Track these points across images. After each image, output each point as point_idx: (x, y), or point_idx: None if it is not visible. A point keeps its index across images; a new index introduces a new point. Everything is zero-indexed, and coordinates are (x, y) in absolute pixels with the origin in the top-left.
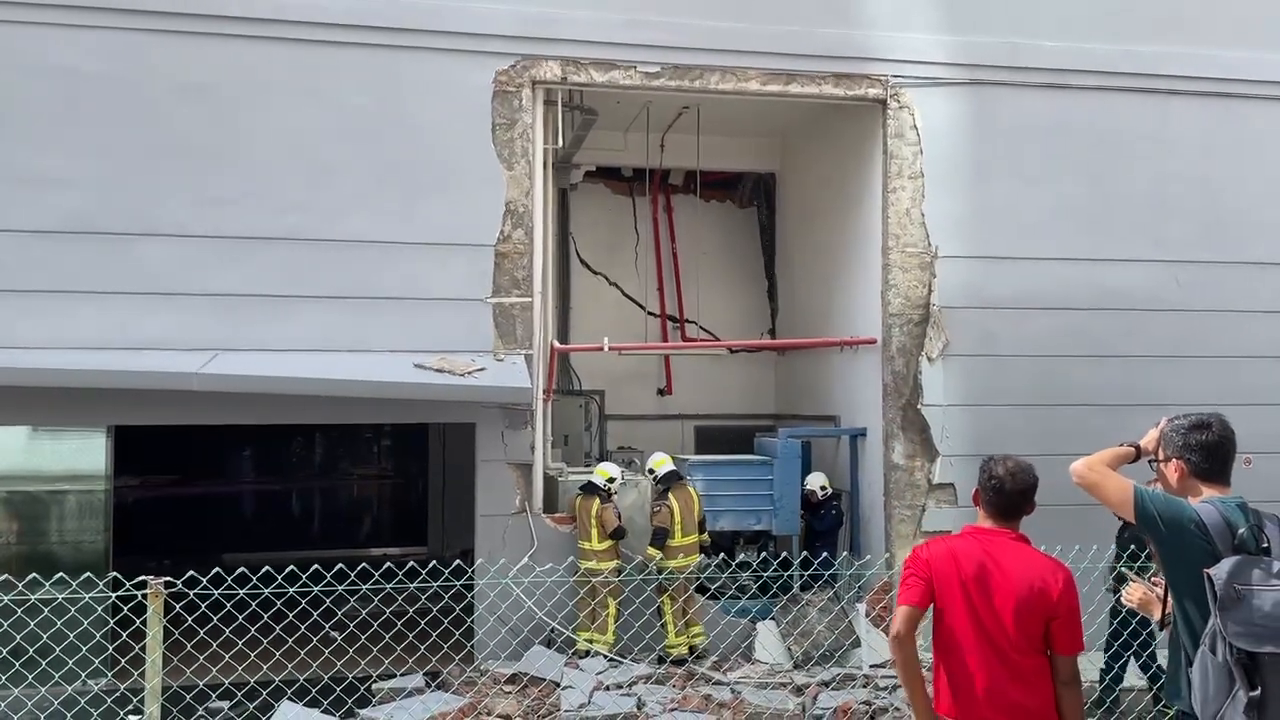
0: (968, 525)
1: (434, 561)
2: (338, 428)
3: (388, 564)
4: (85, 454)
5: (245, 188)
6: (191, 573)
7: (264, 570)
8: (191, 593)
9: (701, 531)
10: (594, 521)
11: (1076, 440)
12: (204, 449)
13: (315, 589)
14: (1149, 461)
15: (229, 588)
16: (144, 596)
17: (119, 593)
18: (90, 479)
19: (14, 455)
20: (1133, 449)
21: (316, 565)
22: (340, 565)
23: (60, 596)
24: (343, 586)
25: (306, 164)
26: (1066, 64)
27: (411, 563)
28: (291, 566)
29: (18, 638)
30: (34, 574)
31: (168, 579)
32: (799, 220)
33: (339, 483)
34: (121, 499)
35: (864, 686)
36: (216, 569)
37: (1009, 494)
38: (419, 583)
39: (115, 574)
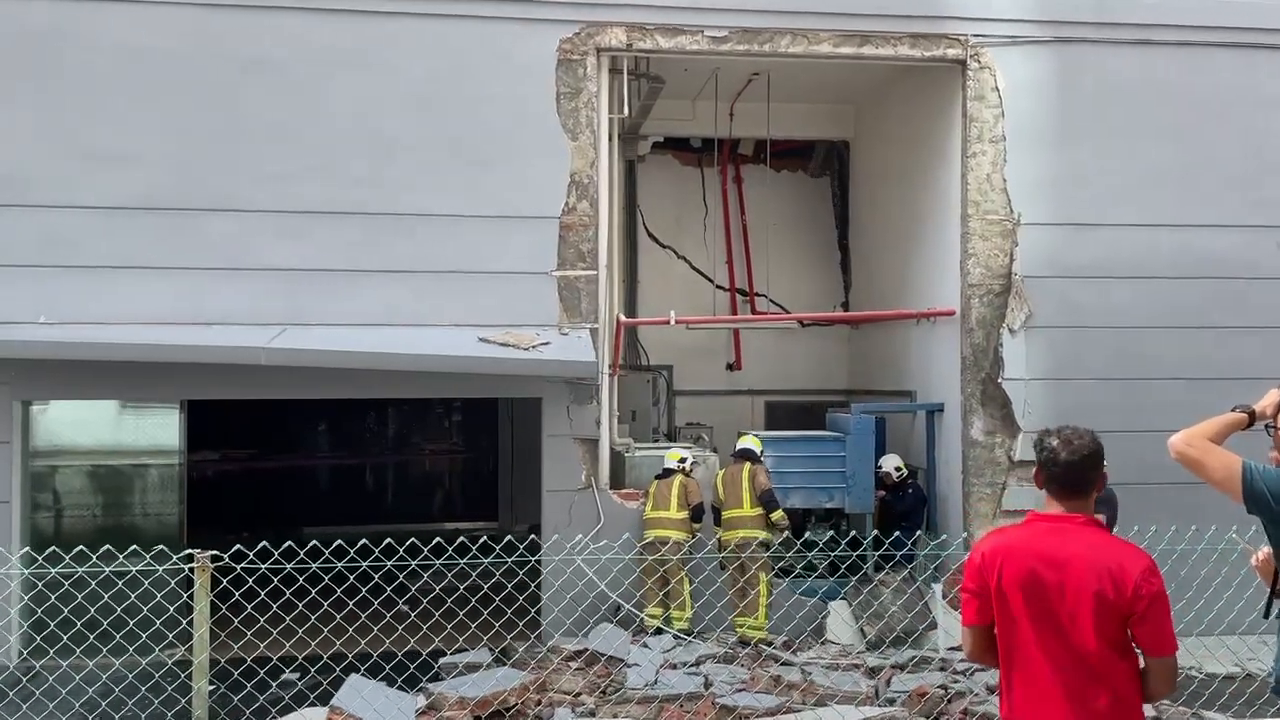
0: (1032, 512)
1: (509, 538)
2: (409, 402)
3: (461, 539)
4: (159, 429)
5: (310, 163)
6: (264, 543)
7: (335, 545)
8: (264, 566)
9: (767, 508)
10: (676, 491)
11: (1165, 415)
12: (280, 424)
13: (388, 564)
14: (1266, 427)
15: (300, 562)
16: (191, 571)
17: (165, 566)
18: (164, 453)
19: (91, 430)
20: (1245, 415)
21: (389, 540)
22: (413, 541)
23: (107, 570)
24: (415, 562)
25: (370, 138)
26: (1155, 19)
27: (484, 538)
28: (364, 541)
29: (92, 610)
30: (108, 546)
31: (214, 552)
32: (873, 189)
33: (410, 458)
34: (201, 473)
35: (940, 670)
36: (289, 543)
37: (1066, 465)
38: (491, 559)
39: (163, 548)
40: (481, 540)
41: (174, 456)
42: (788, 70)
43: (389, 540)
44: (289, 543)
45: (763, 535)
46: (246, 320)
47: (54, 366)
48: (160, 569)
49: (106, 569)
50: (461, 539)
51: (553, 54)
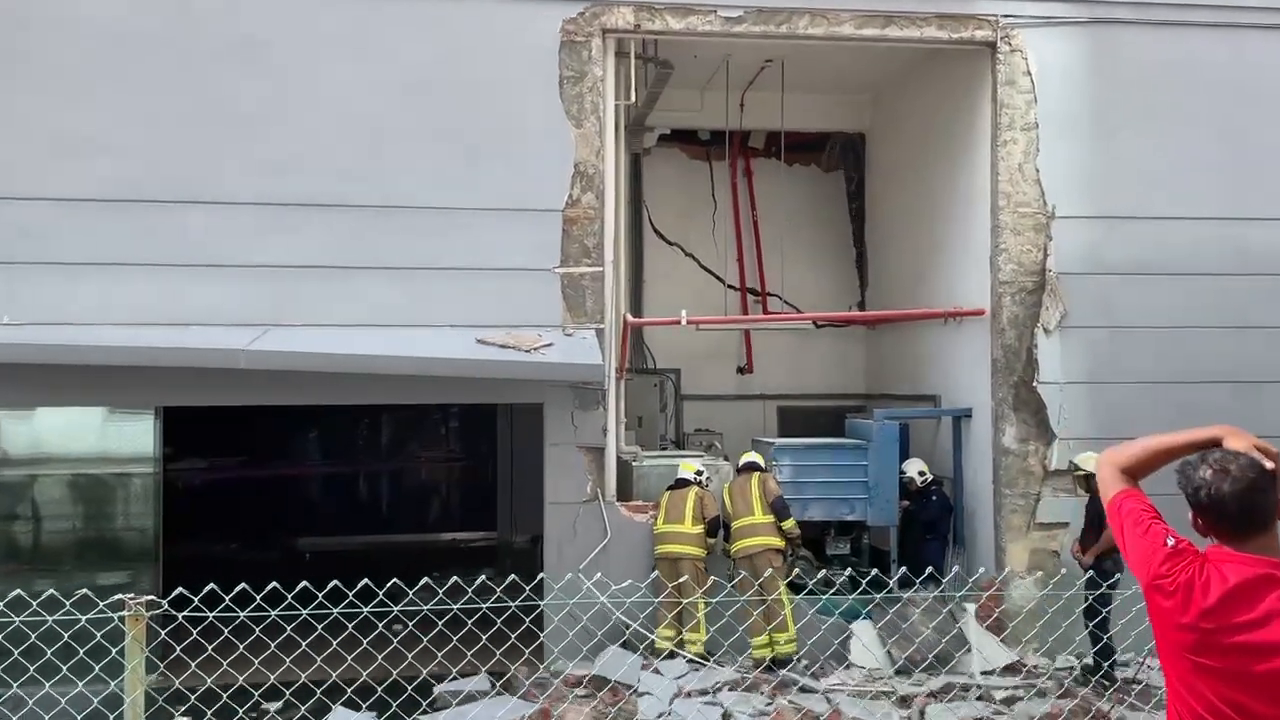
0: (1213, 547)
1: (513, 576)
2: (405, 408)
3: (472, 583)
4: (135, 436)
5: (296, 152)
6: (212, 585)
7: (300, 587)
8: (211, 614)
9: (779, 516)
10: (691, 504)
11: (1212, 421)
12: (271, 431)
13: (364, 610)
14: None
15: (257, 608)
16: (121, 620)
17: (89, 615)
18: (140, 461)
19: (61, 437)
20: None
21: (373, 586)
22: (409, 588)
23: (17, 620)
24: (397, 609)
25: (361, 125)
26: None
27: (485, 578)
28: (333, 583)
29: (65, 632)
30: (40, 595)
31: (152, 598)
32: (892, 183)
33: (406, 465)
34: (188, 481)
35: (979, 699)
36: (273, 587)
37: (1237, 497)
38: (491, 602)
39: (99, 589)
40: (480, 581)
41: (149, 465)
42: (803, 57)
43: (366, 582)
44: (272, 588)
45: (777, 543)
46: (228, 321)
47: (16, 370)
48: (83, 618)
49: (17, 618)
50: (471, 583)
51: (555, 35)
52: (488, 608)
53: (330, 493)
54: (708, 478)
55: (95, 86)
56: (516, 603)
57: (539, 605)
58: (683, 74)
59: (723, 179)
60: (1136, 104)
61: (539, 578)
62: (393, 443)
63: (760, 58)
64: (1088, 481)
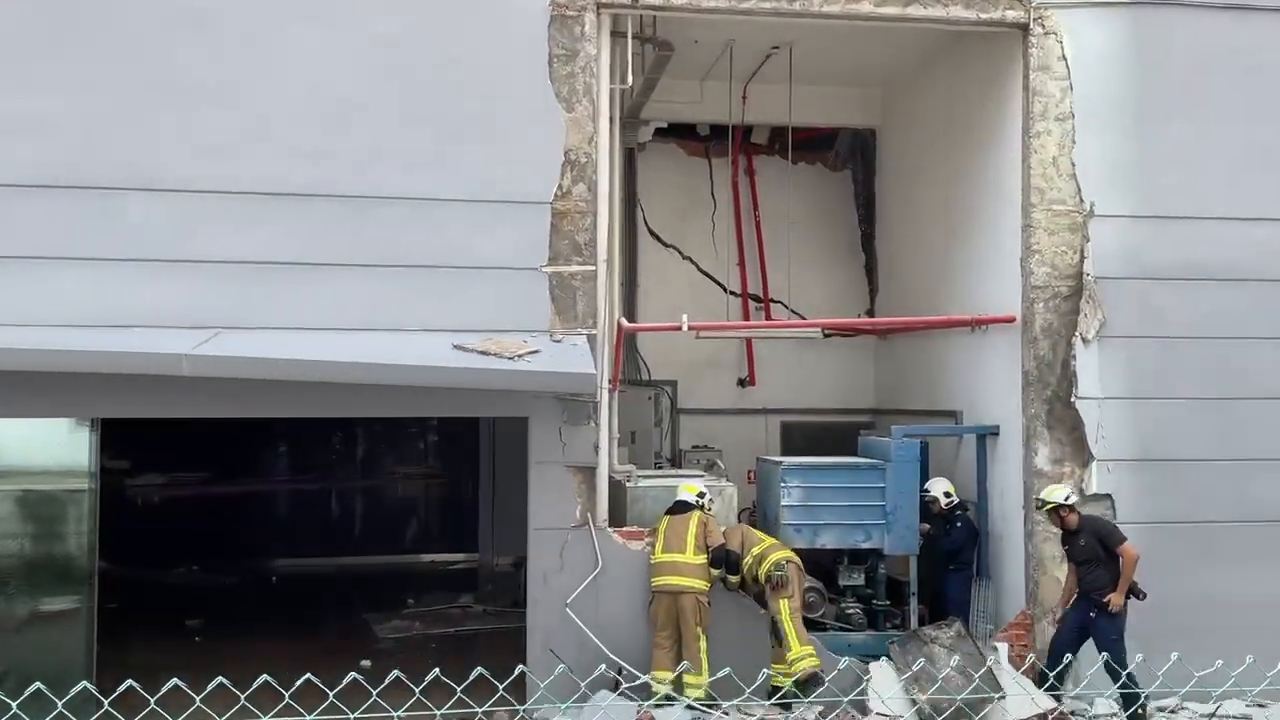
0: None
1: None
2: (380, 421)
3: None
4: (68, 449)
5: (252, 134)
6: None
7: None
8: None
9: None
10: (693, 531)
11: (1267, 441)
12: (237, 444)
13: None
14: None
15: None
16: None
17: None
18: (73, 477)
19: None
20: None
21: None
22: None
23: None
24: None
25: (326, 105)
26: None
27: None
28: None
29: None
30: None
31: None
32: (905, 182)
33: (382, 482)
34: (146, 498)
35: None
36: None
37: None
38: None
39: None
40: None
41: (85, 481)
42: (812, 43)
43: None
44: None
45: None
46: (174, 322)
47: None
48: None
49: None
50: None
51: (545, 9)
52: (459, 704)
53: (300, 511)
54: (711, 500)
55: (21, 58)
56: (494, 701)
57: (522, 709)
58: (682, 62)
59: (723, 177)
60: (1185, 92)
61: (520, 669)
62: (367, 458)
63: (766, 43)
64: (1060, 517)
